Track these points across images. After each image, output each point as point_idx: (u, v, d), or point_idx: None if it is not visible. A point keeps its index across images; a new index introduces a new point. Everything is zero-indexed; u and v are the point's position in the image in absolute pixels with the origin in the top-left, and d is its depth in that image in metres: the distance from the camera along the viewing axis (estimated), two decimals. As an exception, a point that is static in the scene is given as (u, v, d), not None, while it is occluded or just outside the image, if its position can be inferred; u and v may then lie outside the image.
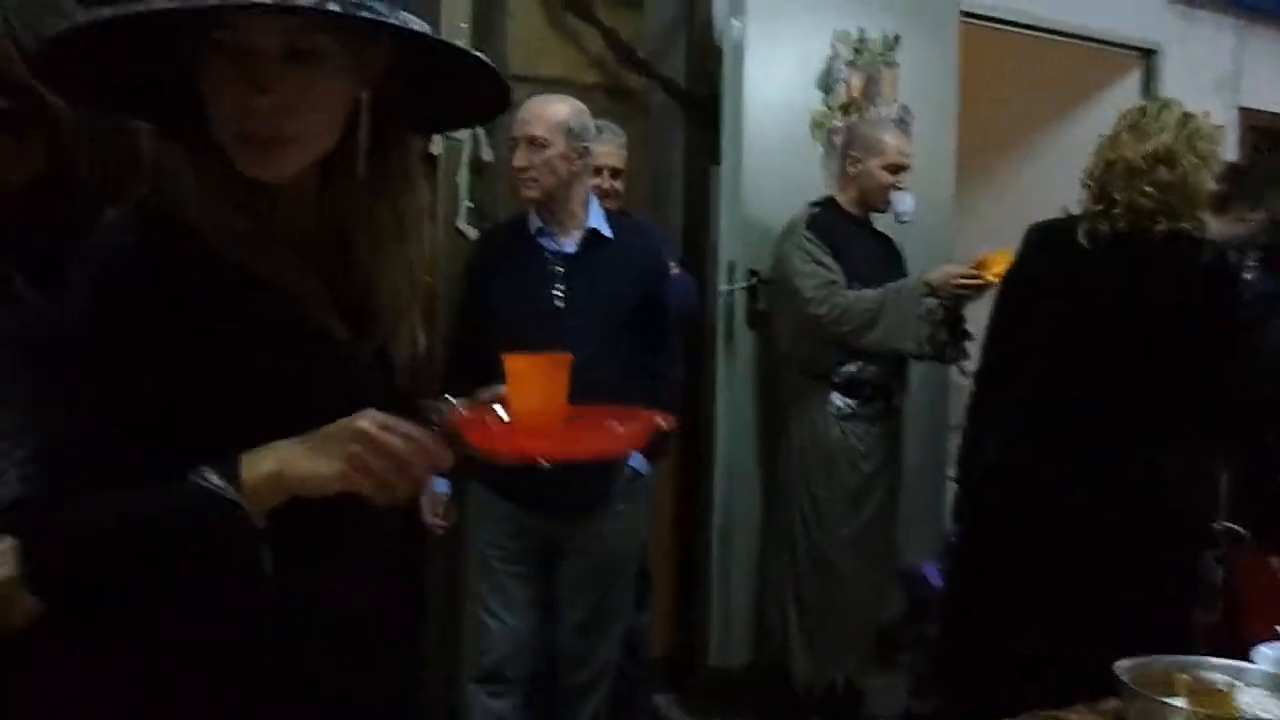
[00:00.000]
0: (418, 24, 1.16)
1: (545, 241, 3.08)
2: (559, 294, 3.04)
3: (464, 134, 3.68)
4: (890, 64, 4.33)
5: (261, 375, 1.20)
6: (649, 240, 3.32)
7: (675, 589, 4.36)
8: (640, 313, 3.12)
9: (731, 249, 3.95)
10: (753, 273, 3.95)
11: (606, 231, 3.12)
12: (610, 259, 3.10)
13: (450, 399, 1.43)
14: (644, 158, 3.92)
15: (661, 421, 1.41)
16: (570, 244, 3.09)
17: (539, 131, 3.04)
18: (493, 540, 3.15)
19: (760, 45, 3.91)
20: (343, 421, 1.14)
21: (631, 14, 4.15)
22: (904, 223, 3.81)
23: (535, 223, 3.11)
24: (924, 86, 4.41)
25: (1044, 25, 5.24)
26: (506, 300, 3.06)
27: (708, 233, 4.26)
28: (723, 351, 3.97)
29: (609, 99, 3.96)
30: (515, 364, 1.36)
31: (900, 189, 3.74)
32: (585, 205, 3.14)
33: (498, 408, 1.41)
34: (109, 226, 1.21)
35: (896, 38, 4.32)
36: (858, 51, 4.24)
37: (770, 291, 3.89)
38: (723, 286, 3.94)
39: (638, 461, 3.20)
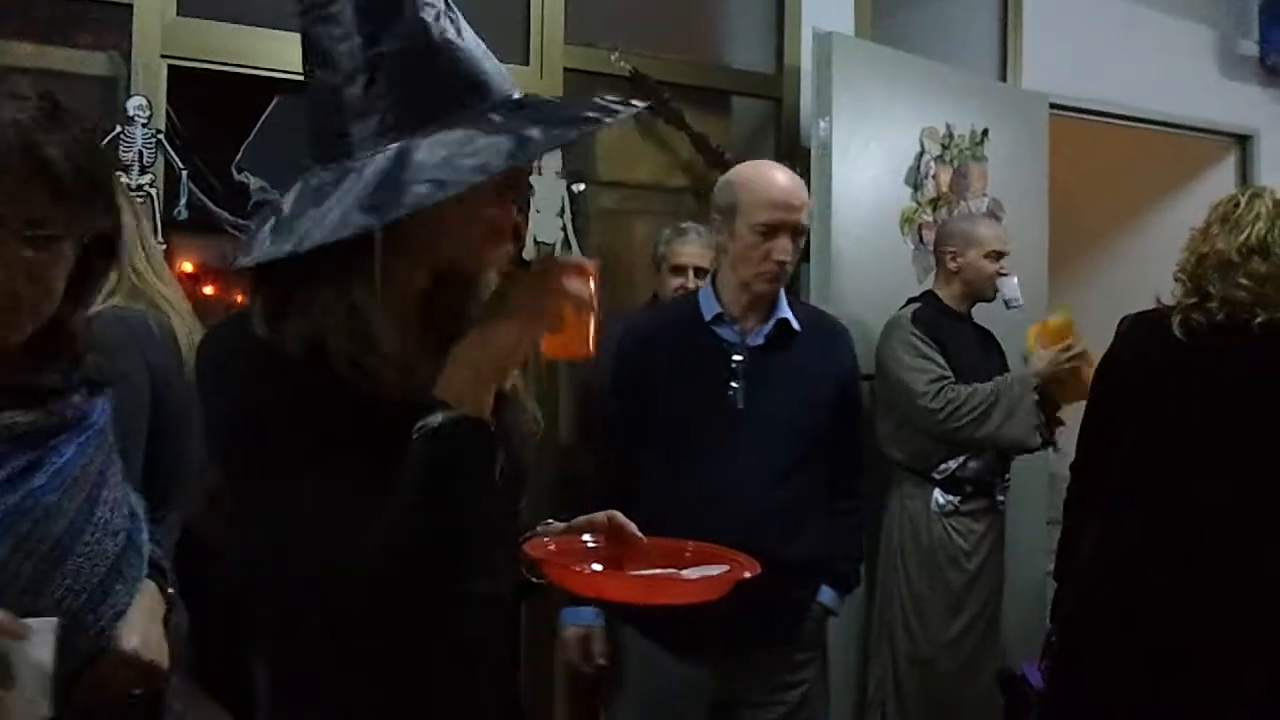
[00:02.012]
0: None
1: (723, 331, 2.66)
2: (738, 393, 2.61)
3: (558, 237, 3.75)
4: (979, 158, 4.34)
5: None
6: (844, 340, 2.87)
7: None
8: (833, 422, 2.72)
9: (823, 347, 3.94)
10: (845, 369, 3.93)
11: (795, 324, 2.70)
12: (800, 357, 2.68)
13: (548, 523, 1.47)
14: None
15: (749, 572, 1.41)
16: (756, 335, 2.66)
17: (805, 218, 2.65)
18: (649, 698, 2.64)
19: (847, 143, 3.94)
20: (486, 302, 1.27)
21: (719, 117, 4.23)
22: (1014, 308, 3.77)
23: (711, 307, 2.67)
24: (1013, 179, 4.41)
25: (1135, 115, 5.21)
26: (674, 397, 2.62)
27: (799, 330, 4.26)
28: (817, 448, 3.94)
29: (698, 202, 4.02)
30: None
31: (1005, 275, 3.73)
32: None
33: (587, 538, 1.42)
34: (234, 320, 1.27)
35: (985, 131, 4.33)
36: (945, 146, 4.26)
37: (868, 389, 3.88)
38: (815, 384, 3.92)
39: (828, 596, 2.77)
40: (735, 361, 2.61)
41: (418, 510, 1.17)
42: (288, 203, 1.23)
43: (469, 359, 1.21)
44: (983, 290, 3.73)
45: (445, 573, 1.20)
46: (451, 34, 1.25)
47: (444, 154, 1.18)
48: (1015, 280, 3.74)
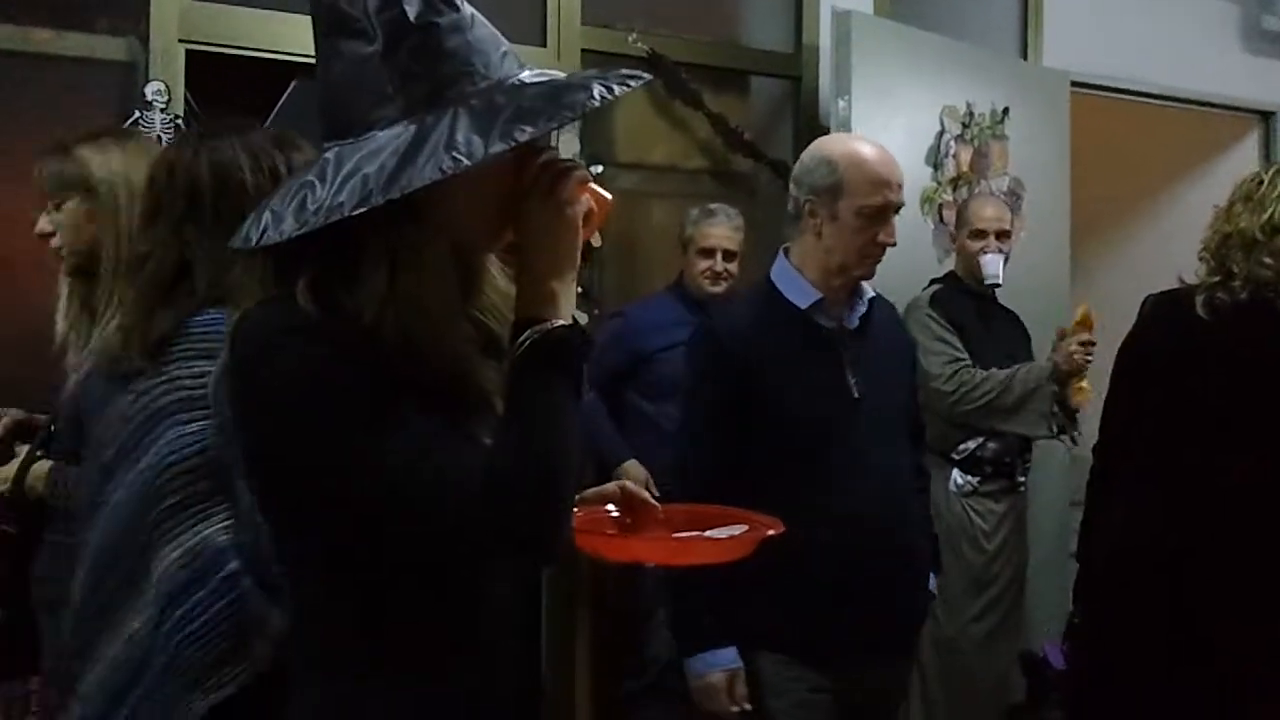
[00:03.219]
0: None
1: (821, 319, 2.46)
2: (852, 382, 2.44)
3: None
4: (999, 136, 4.31)
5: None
6: (895, 310, 2.80)
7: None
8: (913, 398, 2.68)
9: (842, 327, 3.93)
10: (865, 350, 3.92)
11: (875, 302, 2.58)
12: (883, 335, 2.57)
13: None
14: (753, 238, 3.93)
15: (771, 530, 1.41)
16: (851, 318, 2.49)
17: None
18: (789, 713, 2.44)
19: (867, 123, 3.92)
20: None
21: (737, 97, 4.21)
22: (991, 286, 3.73)
23: (804, 294, 2.45)
24: (1035, 157, 4.38)
25: (1157, 92, 5.16)
26: (786, 395, 2.40)
27: (819, 311, 4.26)
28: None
29: (716, 183, 4.02)
30: None
31: (987, 253, 3.68)
32: None
33: (611, 508, 1.43)
34: (267, 305, 1.27)
35: (1005, 110, 4.30)
36: (965, 125, 4.23)
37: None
38: (834, 364, 3.92)
39: (931, 582, 2.69)
40: (844, 349, 2.45)
41: (546, 414, 1.21)
42: (309, 180, 1.23)
43: (536, 272, 1.26)
44: (974, 269, 3.71)
45: (573, 484, 1.23)
46: (466, 14, 1.26)
47: (463, 129, 1.19)
48: (993, 258, 3.69)
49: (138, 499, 1.66)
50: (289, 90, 3.57)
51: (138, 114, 3.30)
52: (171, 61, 3.38)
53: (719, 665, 2.37)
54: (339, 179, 1.20)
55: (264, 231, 1.23)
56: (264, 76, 3.56)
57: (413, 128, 1.21)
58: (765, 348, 2.43)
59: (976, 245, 3.70)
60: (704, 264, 3.68)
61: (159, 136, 3.30)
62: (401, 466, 1.18)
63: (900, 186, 2.44)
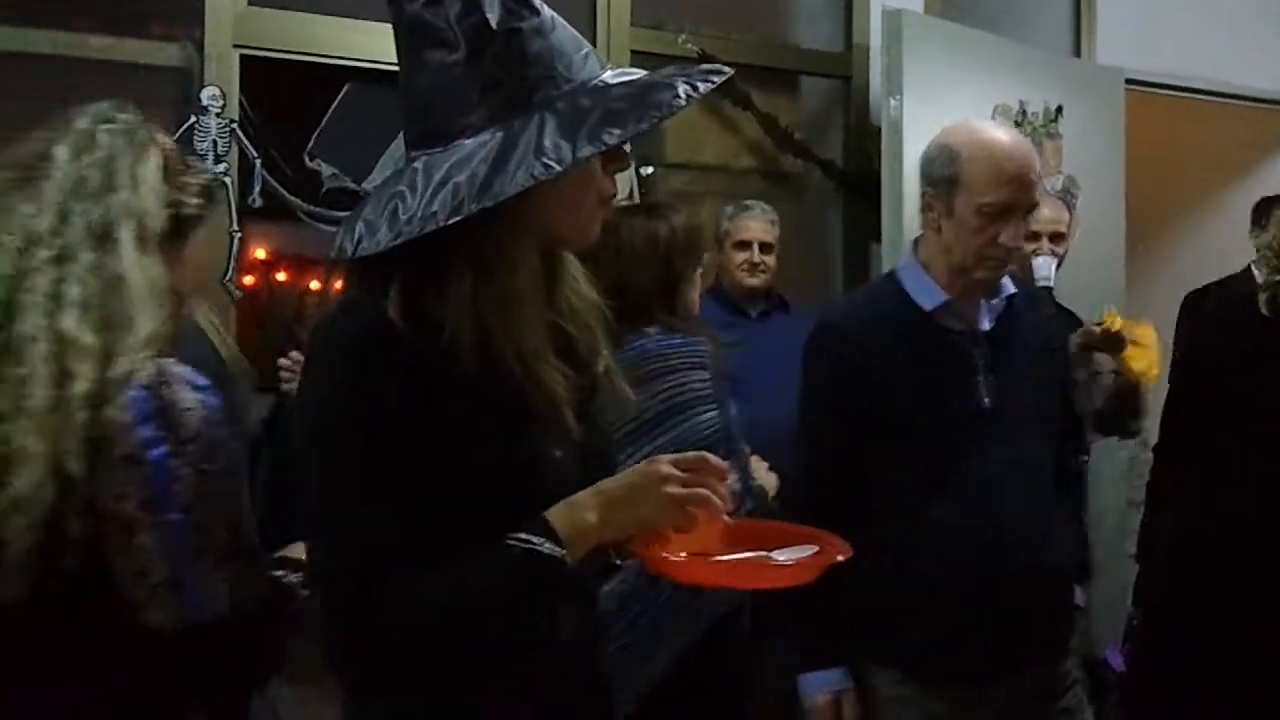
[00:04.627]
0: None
1: (949, 320, 2.25)
2: (982, 389, 2.22)
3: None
4: (1053, 135, 4.27)
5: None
6: (1041, 301, 2.59)
7: None
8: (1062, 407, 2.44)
9: (895, 327, 3.90)
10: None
11: (1017, 298, 2.34)
12: (1024, 331, 2.33)
13: None
14: (803, 239, 3.92)
15: (840, 555, 1.38)
16: (982, 319, 2.28)
17: (1039, 195, 2.29)
18: None
19: (919, 121, 3.88)
20: (643, 469, 1.27)
21: (787, 98, 4.19)
22: (1044, 288, 3.67)
23: (931, 296, 2.24)
24: (1089, 156, 4.33)
25: (1212, 89, 5.08)
26: (906, 405, 2.22)
27: (870, 312, 4.24)
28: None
29: (765, 183, 4.00)
30: None
31: (1039, 255, 3.64)
32: None
33: None
34: (349, 307, 1.28)
35: (1059, 108, 4.26)
36: (1018, 124, 4.19)
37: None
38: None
39: (1079, 595, 2.51)
40: (973, 354, 2.23)
41: (482, 603, 1.22)
42: (399, 190, 1.23)
43: (594, 514, 1.24)
44: (1025, 271, 3.66)
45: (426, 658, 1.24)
46: (546, 17, 1.26)
47: (551, 134, 1.19)
48: (1046, 260, 3.63)
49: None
50: (342, 94, 3.59)
51: (193, 119, 3.33)
52: (226, 66, 3.40)
53: (827, 686, 2.28)
54: (430, 188, 1.20)
55: (358, 242, 1.23)
56: (318, 81, 3.58)
57: (500, 134, 1.21)
58: (886, 353, 2.23)
59: (1029, 247, 3.65)
60: (741, 256, 3.68)
61: (215, 141, 3.33)
62: (330, 523, 1.22)
63: (1033, 184, 2.18)
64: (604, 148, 1.19)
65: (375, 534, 1.20)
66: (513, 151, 1.19)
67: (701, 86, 1.24)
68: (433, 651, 1.22)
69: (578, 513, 1.23)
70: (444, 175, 1.20)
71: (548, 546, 1.20)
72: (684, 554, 1.30)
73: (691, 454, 1.29)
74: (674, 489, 1.24)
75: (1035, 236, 3.64)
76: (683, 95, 1.22)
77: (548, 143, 1.18)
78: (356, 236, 1.23)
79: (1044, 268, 3.64)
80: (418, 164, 1.24)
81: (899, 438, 2.22)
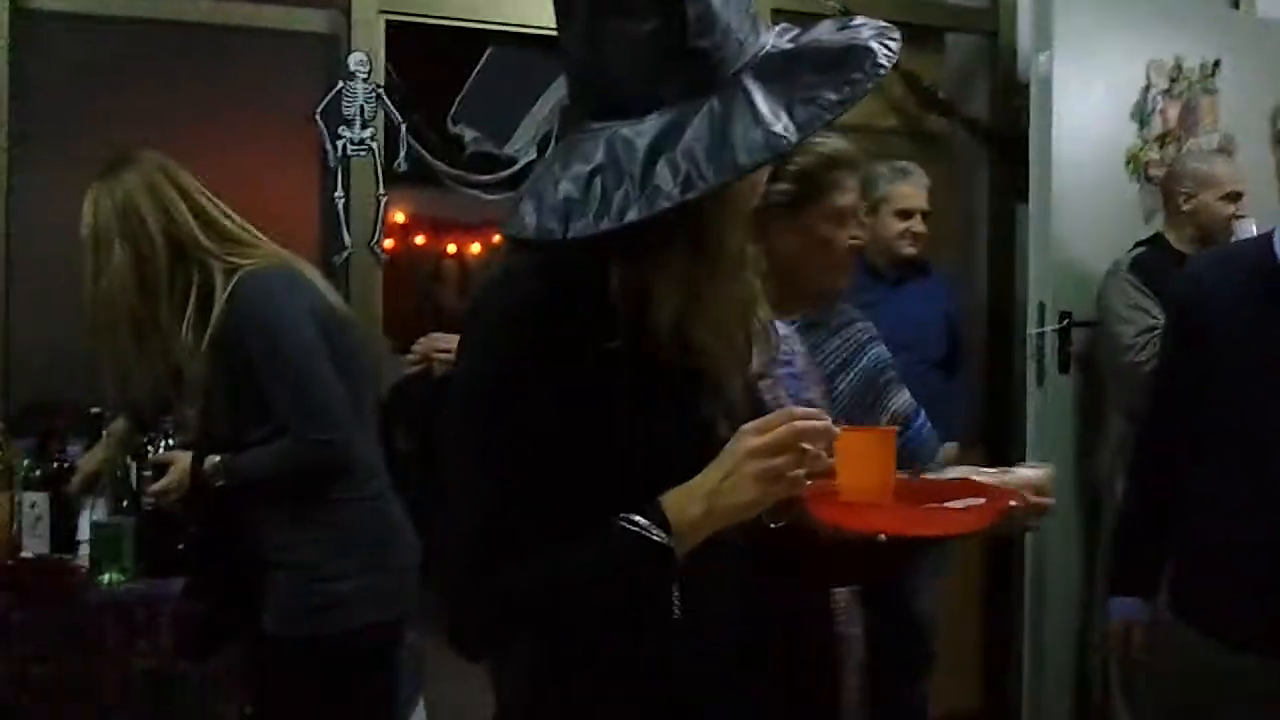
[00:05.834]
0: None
1: None
2: None
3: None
4: (1210, 91, 4.10)
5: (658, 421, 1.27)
6: None
7: (982, 644, 4.23)
8: None
9: (1042, 290, 3.80)
10: (1065, 314, 3.79)
11: None
12: None
13: None
14: (948, 200, 3.84)
15: (1013, 500, 1.36)
16: None
17: None
18: (1191, 696, 2.22)
19: (1069, 78, 3.77)
20: (729, 449, 1.19)
21: (931, 55, 4.10)
22: None
23: None
24: (1248, 113, 4.14)
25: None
26: (1239, 369, 2.13)
27: (1014, 274, 4.16)
28: (1034, 396, 3.83)
29: (910, 142, 3.93)
30: (849, 440, 1.30)
31: (1241, 217, 3.52)
32: None
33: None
34: (509, 277, 1.27)
35: (1216, 63, 4.09)
36: (1173, 80, 4.04)
37: (1092, 334, 3.74)
38: (1033, 329, 3.81)
39: None
40: None
41: (573, 583, 1.21)
42: (599, 163, 1.17)
43: (699, 506, 1.19)
44: (1219, 234, 3.53)
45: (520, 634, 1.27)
46: None
47: (766, 104, 1.15)
48: (1252, 224, 3.53)
49: (864, 384, 2.25)
50: (485, 57, 3.61)
51: (340, 85, 3.38)
52: (372, 32, 3.44)
53: (1122, 613, 2.40)
54: (639, 163, 1.14)
55: (567, 220, 1.16)
56: (461, 45, 3.61)
57: (705, 106, 1.15)
58: (1222, 310, 2.17)
59: (1228, 209, 3.53)
60: (901, 225, 3.55)
61: (361, 107, 3.37)
62: (455, 493, 1.23)
63: None
64: (830, 117, 1.14)
65: (495, 510, 1.20)
66: (730, 125, 1.13)
67: (892, 44, 1.19)
68: (533, 628, 1.24)
69: (682, 502, 1.19)
70: (650, 149, 1.15)
71: (657, 534, 1.17)
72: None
73: (778, 413, 1.21)
74: (759, 464, 1.17)
75: (1235, 198, 3.53)
76: (883, 57, 1.17)
77: (766, 113, 1.14)
78: (561, 214, 1.17)
79: (1248, 230, 3.52)
80: (609, 136, 1.18)
81: (1227, 407, 2.16)
